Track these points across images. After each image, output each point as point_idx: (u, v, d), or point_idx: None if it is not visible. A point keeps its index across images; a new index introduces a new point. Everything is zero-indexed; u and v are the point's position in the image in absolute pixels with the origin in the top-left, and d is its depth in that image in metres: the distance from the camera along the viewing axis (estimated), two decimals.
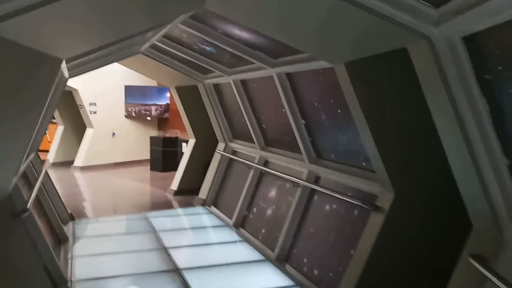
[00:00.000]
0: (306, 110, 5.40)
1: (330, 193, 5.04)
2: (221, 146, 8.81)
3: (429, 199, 4.01)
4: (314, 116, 5.27)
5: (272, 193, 6.59)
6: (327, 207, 5.24)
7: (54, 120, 14.84)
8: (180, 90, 9.68)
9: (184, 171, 9.81)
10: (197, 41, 6.08)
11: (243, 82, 6.86)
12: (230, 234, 6.81)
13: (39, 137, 6.74)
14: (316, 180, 5.55)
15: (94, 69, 7.70)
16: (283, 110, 5.79)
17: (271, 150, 6.88)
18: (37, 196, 6.01)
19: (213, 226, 7.31)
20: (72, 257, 5.71)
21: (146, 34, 6.44)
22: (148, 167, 13.28)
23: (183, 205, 8.95)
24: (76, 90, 12.99)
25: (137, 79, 13.55)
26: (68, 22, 3.00)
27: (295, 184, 5.78)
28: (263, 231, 6.42)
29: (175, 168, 10.52)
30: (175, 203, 9.13)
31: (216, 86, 8.17)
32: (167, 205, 8.92)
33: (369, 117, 3.88)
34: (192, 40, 6.11)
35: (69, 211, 7.45)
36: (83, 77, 12.76)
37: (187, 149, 10.21)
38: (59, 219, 6.53)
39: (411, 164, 4.01)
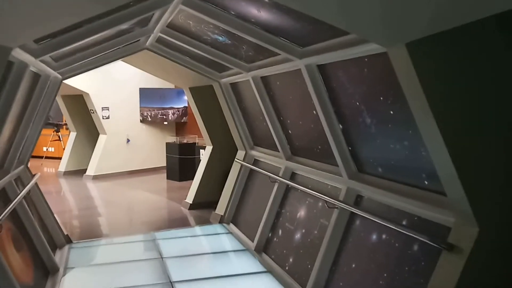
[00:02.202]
0: (344, 112, 4.22)
1: (377, 220, 3.85)
2: (240, 154, 7.69)
3: None
4: (355, 119, 4.09)
5: (301, 212, 5.43)
6: (374, 236, 4.05)
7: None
8: (195, 91, 8.62)
9: (200, 182, 8.73)
10: (207, 30, 4.99)
11: (264, 79, 5.72)
12: (250, 262, 5.67)
13: (23, 147, 5.77)
14: (358, 200, 4.37)
15: (95, 67, 6.71)
16: (314, 112, 4.63)
17: (299, 160, 5.71)
18: (18, 219, 5.03)
19: (231, 251, 6.17)
20: None
21: (148, 24, 5.39)
22: (165, 175, 12.29)
23: (198, 221, 7.86)
24: (87, 94, 12.12)
25: (153, 81, 12.59)
26: None
27: (330, 205, 4.61)
28: (291, 260, 5.26)
29: (193, 177, 9.45)
30: (189, 220, 8.06)
31: (234, 86, 7.05)
32: (180, 222, 7.85)
33: (441, 118, 2.72)
34: (201, 28, 5.02)
35: (65, 232, 6.45)
36: (94, 80, 11.95)
37: (203, 157, 9.13)
38: (48, 245, 5.51)
39: (503, 184, 2.80)
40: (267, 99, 5.84)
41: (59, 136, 15.43)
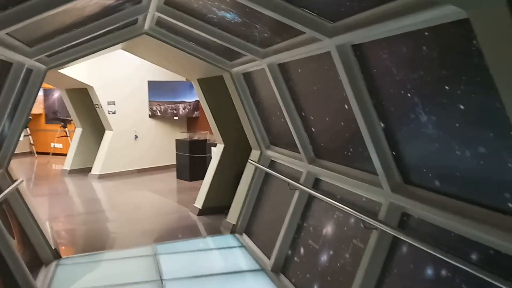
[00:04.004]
0: (387, 106, 3.23)
1: (431, 250, 2.87)
2: (255, 154, 6.74)
3: None
4: (403, 116, 3.10)
5: (328, 229, 4.46)
6: (428, 271, 3.07)
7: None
8: (203, 83, 7.69)
9: (211, 185, 7.81)
10: (211, 5, 4.04)
11: (283, 66, 4.75)
12: (267, 287, 4.73)
13: (2, 148, 4.94)
14: (403, 220, 3.39)
15: (87, 55, 5.83)
16: (346, 106, 3.66)
17: (324, 164, 4.73)
18: None
19: (243, 271, 5.24)
20: None
21: (141, 0, 4.46)
22: (175, 174, 11.43)
23: (208, 230, 6.97)
24: (91, 87, 11.29)
25: (163, 74, 11.68)
26: None
27: (367, 224, 3.63)
28: (316, 287, 4.31)
29: (204, 177, 8.52)
30: (197, 228, 7.16)
31: (247, 75, 6.09)
32: (187, 232, 6.96)
33: None
34: (204, 3, 4.07)
35: (53, 246, 5.60)
36: (99, 72, 11.11)
37: (214, 157, 8.21)
38: (30, 263, 4.68)
39: None
40: (285, 90, 4.88)
41: (66, 132, 14.71)
